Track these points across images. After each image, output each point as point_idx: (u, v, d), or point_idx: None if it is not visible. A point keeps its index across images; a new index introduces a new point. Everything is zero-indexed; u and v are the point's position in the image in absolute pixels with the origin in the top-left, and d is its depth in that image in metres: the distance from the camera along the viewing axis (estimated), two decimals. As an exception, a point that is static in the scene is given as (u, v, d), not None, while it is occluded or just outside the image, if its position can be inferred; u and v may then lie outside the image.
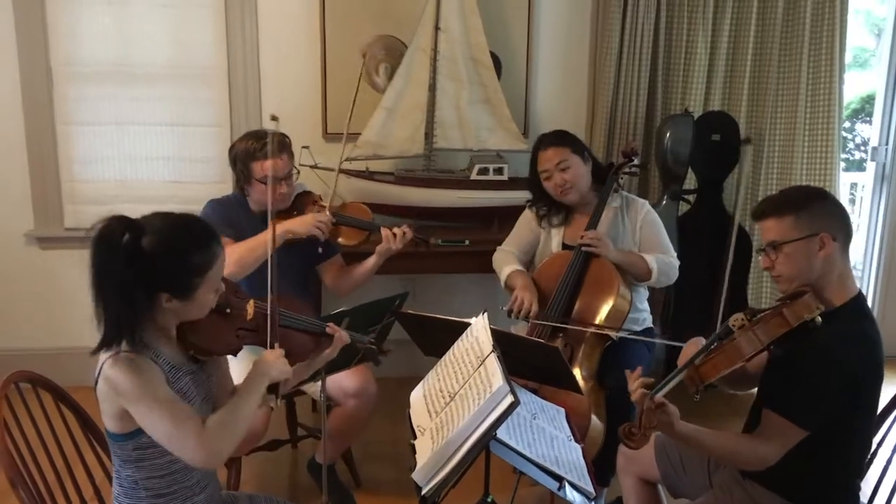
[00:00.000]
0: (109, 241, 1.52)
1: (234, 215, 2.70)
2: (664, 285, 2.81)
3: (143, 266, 1.53)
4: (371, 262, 2.80)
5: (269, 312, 1.75)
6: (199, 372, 1.72)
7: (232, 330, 1.74)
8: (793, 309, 1.75)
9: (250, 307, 1.77)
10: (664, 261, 2.74)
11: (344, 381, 2.58)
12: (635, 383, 1.83)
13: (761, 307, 1.89)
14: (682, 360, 1.98)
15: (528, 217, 2.96)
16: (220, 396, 1.79)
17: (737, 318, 1.79)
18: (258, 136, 2.67)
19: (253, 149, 2.62)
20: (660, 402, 1.72)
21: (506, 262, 2.89)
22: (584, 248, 2.68)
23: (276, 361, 1.72)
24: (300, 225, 2.65)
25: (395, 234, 2.74)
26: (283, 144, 2.68)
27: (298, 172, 2.78)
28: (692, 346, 2.01)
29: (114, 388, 1.55)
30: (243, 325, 1.76)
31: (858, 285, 1.92)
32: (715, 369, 1.76)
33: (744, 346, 1.74)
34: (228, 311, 1.74)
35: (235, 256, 2.46)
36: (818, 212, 1.82)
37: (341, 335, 1.93)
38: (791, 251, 1.82)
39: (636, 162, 2.93)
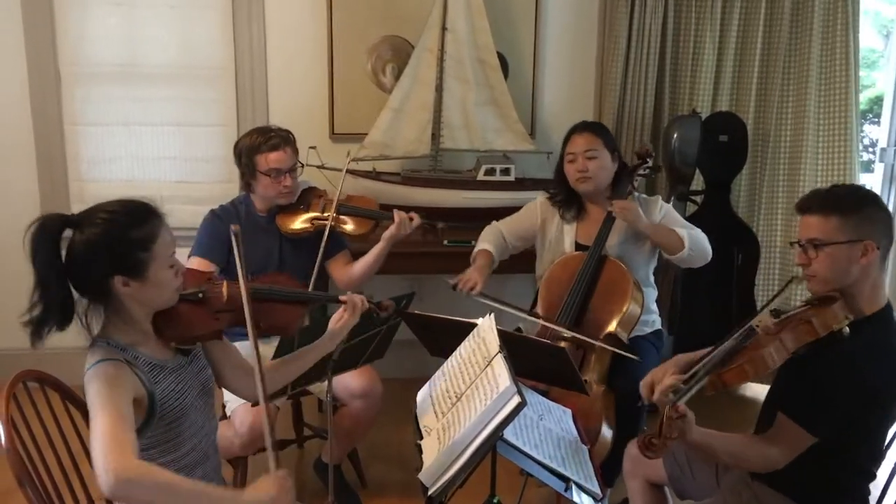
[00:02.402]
0: (47, 237, 1.54)
1: (234, 223, 2.69)
2: (700, 260, 2.72)
3: (87, 255, 1.55)
4: (378, 248, 2.75)
5: (243, 290, 1.68)
6: (189, 365, 1.71)
7: (209, 313, 1.73)
8: (822, 318, 1.71)
9: (225, 289, 1.77)
10: (693, 233, 2.70)
11: (350, 382, 2.58)
12: (667, 380, 1.77)
13: (787, 308, 1.85)
14: (646, 388, 1.92)
15: (534, 208, 2.95)
16: (239, 376, 1.81)
17: (761, 320, 1.75)
18: (262, 131, 2.71)
19: (257, 143, 2.66)
20: (682, 412, 1.69)
21: (484, 238, 2.90)
22: (613, 215, 2.68)
23: (260, 493, 1.54)
24: None
25: (410, 217, 2.72)
26: (286, 139, 2.70)
27: (303, 166, 2.79)
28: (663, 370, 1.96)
29: (86, 396, 1.55)
30: (220, 307, 1.75)
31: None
32: (740, 377, 1.72)
33: (771, 355, 1.70)
34: (201, 296, 1.74)
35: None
36: (867, 218, 1.77)
37: (354, 298, 1.93)
38: (832, 252, 1.77)
39: (651, 164, 2.89)
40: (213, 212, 2.74)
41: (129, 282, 1.59)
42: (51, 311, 1.56)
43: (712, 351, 1.84)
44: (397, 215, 2.72)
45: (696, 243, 2.68)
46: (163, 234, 1.63)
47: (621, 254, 2.76)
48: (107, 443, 1.41)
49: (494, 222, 2.99)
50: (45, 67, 3.58)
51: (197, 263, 2.59)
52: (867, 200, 1.82)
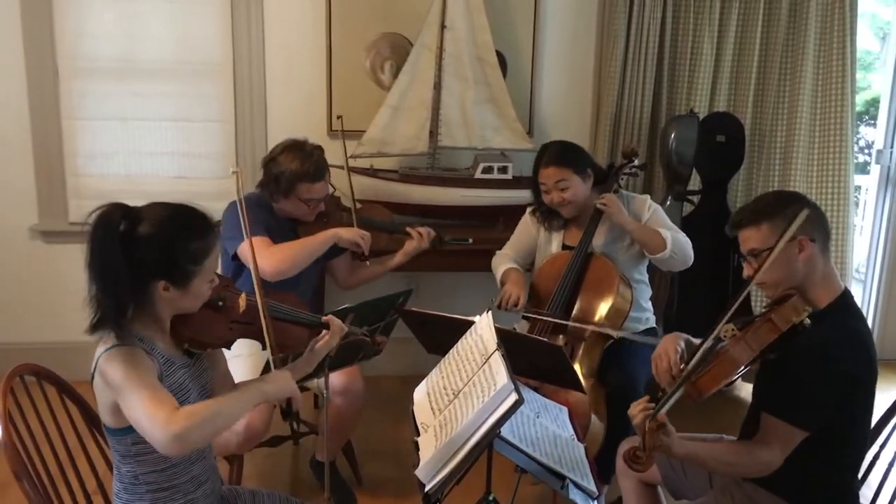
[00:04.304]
0: (107, 227, 1.53)
1: (263, 216, 2.69)
2: (681, 264, 2.74)
3: (140, 253, 1.55)
4: (395, 260, 2.85)
5: (260, 308, 1.73)
6: (193, 366, 1.72)
7: (225, 322, 1.75)
8: (781, 314, 1.77)
9: (242, 301, 1.78)
10: (677, 236, 2.72)
11: (331, 379, 2.57)
12: (638, 407, 1.80)
13: (751, 316, 1.90)
14: (660, 356, 1.96)
15: (527, 222, 2.97)
16: (224, 385, 1.80)
17: (727, 329, 1.80)
18: (303, 154, 2.65)
19: (304, 171, 2.62)
20: (662, 422, 1.72)
21: (501, 263, 2.94)
22: (597, 206, 2.70)
23: (281, 382, 1.68)
24: (349, 234, 2.66)
25: (421, 234, 2.83)
26: (324, 160, 2.70)
27: (335, 190, 2.80)
28: (670, 341, 1.99)
29: (106, 380, 1.54)
30: (236, 317, 1.76)
31: (861, 288, 1.91)
32: (713, 382, 1.76)
33: (738, 356, 1.75)
34: (221, 303, 1.75)
35: (289, 253, 2.53)
36: (793, 216, 1.82)
37: (336, 324, 1.91)
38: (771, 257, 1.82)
39: (636, 163, 2.91)
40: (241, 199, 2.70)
41: (171, 288, 1.59)
42: (123, 299, 1.55)
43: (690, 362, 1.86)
44: (415, 232, 2.82)
45: (678, 246, 2.69)
46: (215, 251, 1.66)
47: (608, 252, 2.77)
48: (150, 409, 1.45)
49: (497, 252, 3.00)
50: (42, 62, 3.56)
51: (267, 241, 2.56)
52: (790, 199, 1.88)
